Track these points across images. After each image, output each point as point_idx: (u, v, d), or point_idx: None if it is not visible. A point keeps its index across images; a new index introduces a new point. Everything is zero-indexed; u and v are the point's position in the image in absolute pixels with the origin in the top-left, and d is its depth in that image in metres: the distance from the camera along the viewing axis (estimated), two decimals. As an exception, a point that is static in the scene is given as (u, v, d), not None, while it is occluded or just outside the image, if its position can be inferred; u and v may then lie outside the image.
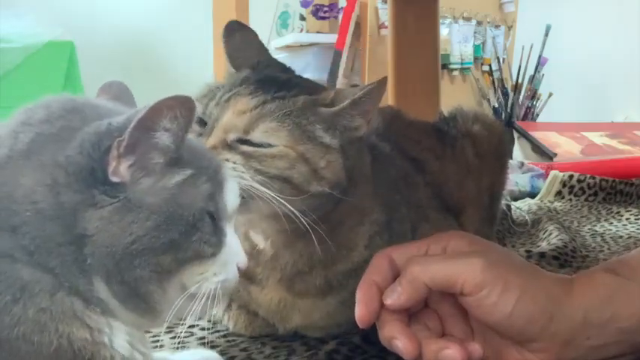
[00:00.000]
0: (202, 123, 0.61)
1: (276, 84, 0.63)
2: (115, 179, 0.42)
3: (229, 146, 0.59)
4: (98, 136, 0.42)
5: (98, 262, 0.42)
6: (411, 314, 0.57)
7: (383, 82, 0.62)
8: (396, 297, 0.54)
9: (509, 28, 3.06)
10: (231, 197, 0.49)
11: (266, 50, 0.71)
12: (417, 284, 0.53)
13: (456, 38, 2.90)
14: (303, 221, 0.59)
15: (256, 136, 0.59)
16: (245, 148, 0.59)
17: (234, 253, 0.49)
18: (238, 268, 0.49)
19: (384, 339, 0.55)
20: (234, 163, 0.58)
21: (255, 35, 0.70)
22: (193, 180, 0.46)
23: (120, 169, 0.42)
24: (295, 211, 0.58)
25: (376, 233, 0.69)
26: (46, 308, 0.41)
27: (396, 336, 0.53)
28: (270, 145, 0.59)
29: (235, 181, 0.51)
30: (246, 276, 0.70)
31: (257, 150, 0.58)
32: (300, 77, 0.68)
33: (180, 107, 0.43)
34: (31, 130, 0.44)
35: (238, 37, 0.69)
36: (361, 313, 0.54)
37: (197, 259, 0.46)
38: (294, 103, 0.61)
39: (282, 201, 0.57)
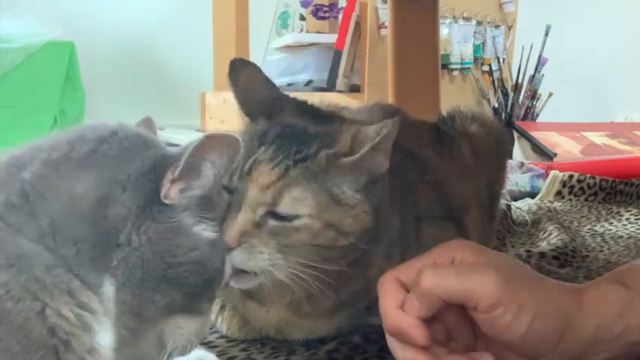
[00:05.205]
0: (229, 191, 0.60)
1: (295, 139, 0.61)
2: (166, 201, 0.46)
3: (258, 224, 0.58)
4: (157, 160, 0.47)
5: (126, 269, 0.44)
6: None
7: (396, 121, 0.61)
8: (414, 312, 0.53)
9: (509, 28, 3.05)
10: (227, 268, 0.53)
11: (273, 85, 0.69)
12: (432, 298, 0.52)
13: (456, 38, 2.89)
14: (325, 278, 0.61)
15: (284, 208, 0.58)
16: (272, 223, 0.58)
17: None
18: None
19: None
20: (269, 254, 0.58)
21: (259, 70, 0.69)
22: (218, 240, 0.50)
23: (170, 193, 0.46)
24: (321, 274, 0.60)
25: (392, 244, 0.68)
26: (40, 278, 0.41)
27: (416, 358, 0.52)
28: (296, 217, 0.58)
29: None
30: (245, 291, 0.69)
31: (284, 225, 0.58)
32: (315, 119, 0.65)
33: (227, 147, 0.47)
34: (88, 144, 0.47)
35: (243, 78, 0.67)
36: (421, 337, 0.52)
37: (190, 311, 0.48)
38: (317, 164, 0.59)
39: (311, 267, 0.59)
